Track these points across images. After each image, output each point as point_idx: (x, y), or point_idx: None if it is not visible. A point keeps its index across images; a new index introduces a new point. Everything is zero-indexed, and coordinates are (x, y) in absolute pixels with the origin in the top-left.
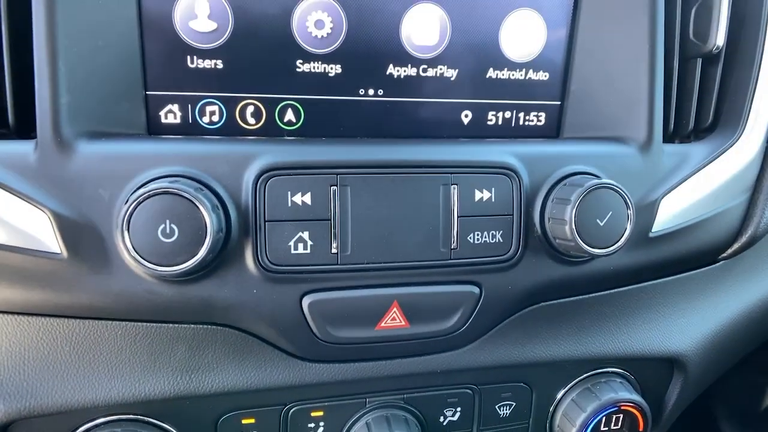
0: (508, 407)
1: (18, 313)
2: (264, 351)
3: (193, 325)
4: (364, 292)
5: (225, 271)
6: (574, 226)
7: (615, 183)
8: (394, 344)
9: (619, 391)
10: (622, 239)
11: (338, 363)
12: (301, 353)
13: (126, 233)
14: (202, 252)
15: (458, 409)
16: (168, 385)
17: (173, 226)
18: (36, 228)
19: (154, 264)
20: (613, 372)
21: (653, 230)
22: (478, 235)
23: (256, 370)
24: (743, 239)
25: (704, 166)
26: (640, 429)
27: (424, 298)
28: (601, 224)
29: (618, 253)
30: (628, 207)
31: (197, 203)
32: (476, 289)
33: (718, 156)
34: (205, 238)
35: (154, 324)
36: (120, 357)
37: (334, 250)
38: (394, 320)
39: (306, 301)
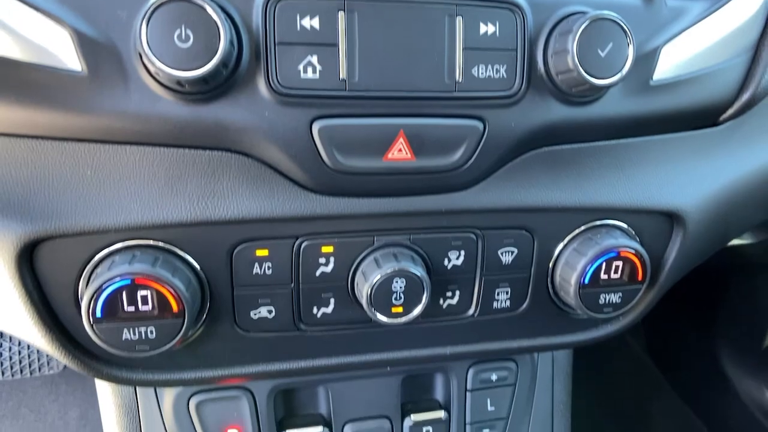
0: (510, 254)
1: (42, 137)
2: (276, 181)
3: (208, 151)
4: (371, 120)
5: (237, 93)
6: (575, 56)
7: (617, 16)
8: (400, 178)
9: (620, 239)
10: (624, 70)
11: (347, 197)
12: (311, 184)
13: (144, 32)
14: (217, 57)
15: (462, 252)
16: (185, 210)
17: (188, 31)
18: (57, 45)
19: (171, 68)
20: (613, 225)
21: (654, 79)
22: (482, 68)
23: (268, 199)
24: (743, 98)
25: (704, 18)
26: (639, 278)
27: (430, 130)
28: (603, 55)
29: (619, 101)
30: (628, 40)
31: (210, 10)
32: (480, 125)
33: (719, 9)
34: (219, 43)
35: (171, 149)
36: (139, 182)
37: (342, 77)
38: (400, 152)
39: (316, 127)
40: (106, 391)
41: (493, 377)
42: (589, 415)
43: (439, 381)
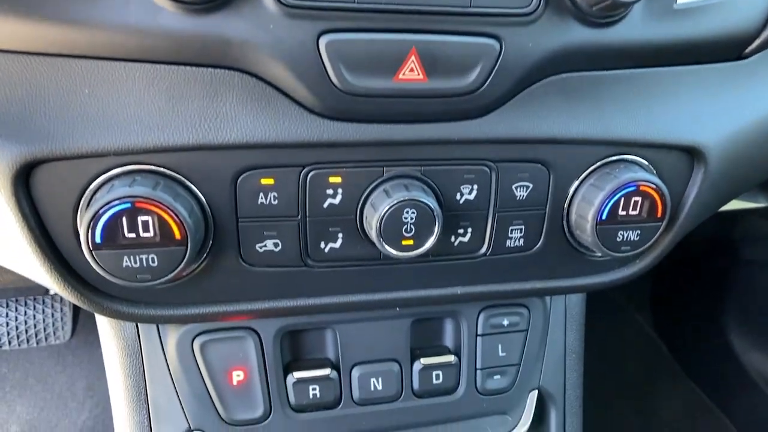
0: (524, 189)
1: (37, 54)
2: (282, 104)
3: (210, 69)
4: (381, 35)
5: (241, 3)
6: None
7: None
8: (412, 102)
9: (639, 173)
10: None
11: (356, 123)
12: (318, 107)
13: None
14: None
15: (475, 186)
16: (186, 133)
17: None
18: None
19: None
20: (632, 160)
21: (678, 2)
22: None
23: (273, 122)
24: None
25: None
26: (659, 215)
27: (443, 48)
28: None
29: (641, 24)
30: None
31: None
32: (496, 44)
33: None
34: None
35: (172, 66)
36: (138, 102)
37: None
38: (412, 71)
39: (323, 42)
40: (108, 334)
41: (505, 322)
42: (595, 391)
43: (449, 326)
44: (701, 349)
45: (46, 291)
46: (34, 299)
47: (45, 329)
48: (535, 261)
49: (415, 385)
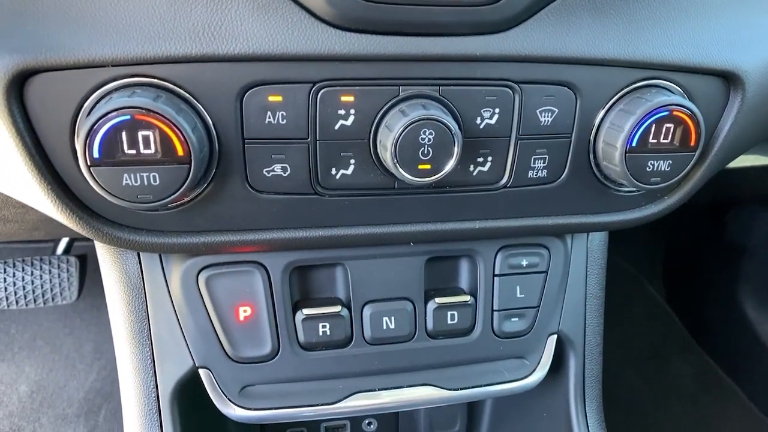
0: (549, 114)
1: None
2: (293, 11)
3: None
4: None
5: None
6: None
7: None
8: (431, 10)
9: (672, 96)
10: None
11: (371, 34)
12: (332, 16)
13: None
14: None
15: (496, 110)
16: (189, 42)
17: None
18: None
19: None
20: (664, 86)
21: None
22: None
23: (282, 32)
24: None
25: None
26: (692, 143)
27: None
28: None
29: None
30: None
31: None
32: None
33: None
34: None
35: None
36: (139, 8)
37: None
38: None
39: None
40: (109, 269)
41: (524, 263)
42: (606, 362)
43: (464, 267)
44: (715, 320)
45: (53, 251)
46: (41, 260)
47: (52, 289)
48: (557, 195)
49: (429, 326)
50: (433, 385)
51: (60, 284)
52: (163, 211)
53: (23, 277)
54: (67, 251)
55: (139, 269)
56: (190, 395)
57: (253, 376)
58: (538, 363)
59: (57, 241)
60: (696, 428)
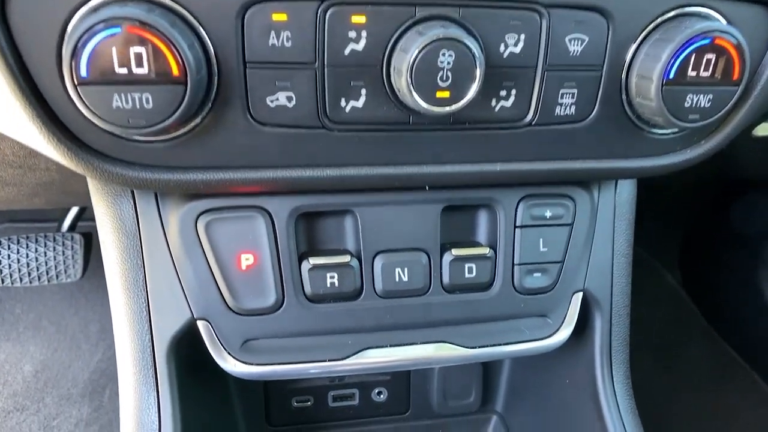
0: (579, 43)
1: None
2: None
3: None
4: None
5: None
6: None
7: None
8: None
9: (715, 23)
10: None
11: None
12: None
13: None
14: None
15: (522, 36)
16: None
17: None
18: None
19: None
20: (705, 14)
21: None
22: None
23: None
24: None
25: None
26: (735, 76)
27: None
28: None
29: None
30: None
31: None
32: None
33: None
34: None
35: None
36: None
37: None
38: None
39: None
40: (102, 214)
41: (547, 214)
42: None
43: (483, 219)
44: (733, 306)
45: (58, 229)
46: (45, 236)
47: (56, 267)
48: (586, 135)
49: (445, 279)
50: (449, 343)
51: (64, 262)
52: (159, 143)
53: (27, 254)
54: (71, 230)
55: (134, 213)
56: (188, 350)
57: (255, 330)
58: (562, 322)
59: (62, 221)
60: (714, 415)
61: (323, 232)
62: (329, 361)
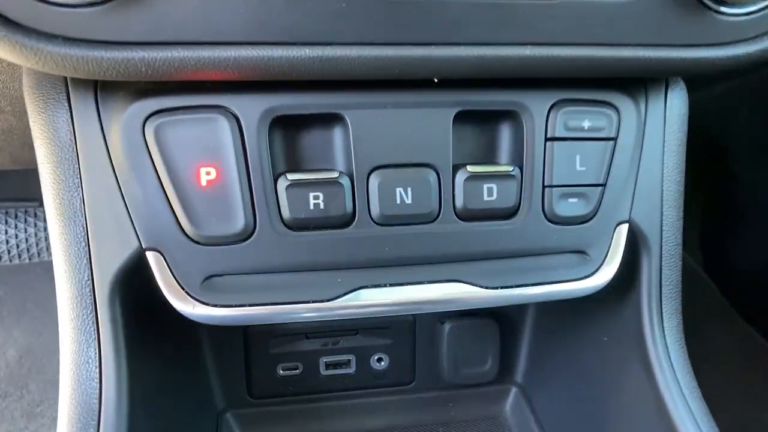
0: None
1: None
2: None
3: None
4: None
5: None
6: None
7: None
8: None
9: None
10: None
11: None
12: None
13: None
14: None
15: None
16: None
17: None
18: None
19: None
20: None
21: None
22: None
23: None
24: None
25: None
26: None
27: None
28: None
29: None
30: None
31: None
32: None
33: None
34: None
35: None
36: None
37: None
38: None
39: None
40: (38, 128)
41: (585, 124)
42: None
43: (506, 133)
44: (755, 287)
45: (40, 205)
46: (26, 212)
47: (38, 244)
48: (637, 12)
49: (459, 202)
50: (463, 282)
51: (46, 238)
52: (87, 6)
53: (6, 231)
54: None
55: (69, 119)
56: (139, 291)
57: (219, 263)
58: (604, 259)
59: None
60: (738, 397)
61: (306, 146)
62: (313, 302)
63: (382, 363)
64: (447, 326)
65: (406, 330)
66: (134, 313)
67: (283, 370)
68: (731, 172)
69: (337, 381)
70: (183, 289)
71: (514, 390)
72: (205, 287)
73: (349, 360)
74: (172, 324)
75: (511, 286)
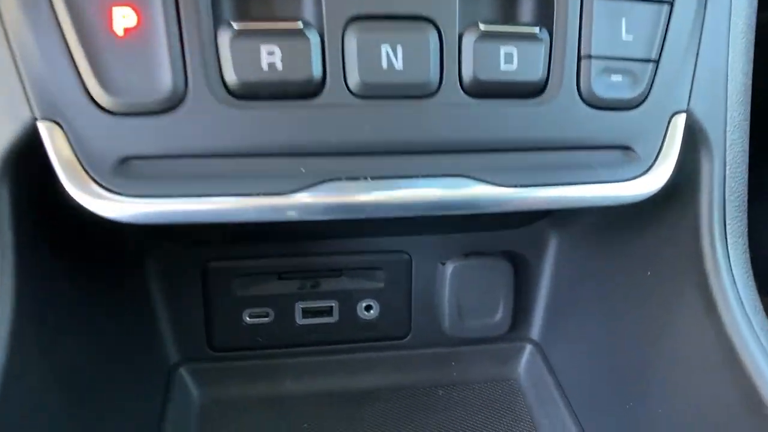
0: None
1: None
2: None
3: None
4: None
5: None
6: None
7: None
8: None
9: None
10: None
11: None
12: None
13: None
14: None
15: None
16: None
17: None
18: None
19: None
20: None
21: None
22: None
23: None
24: None
25: None
26: None
27: None
28: None
29: None
30: None
31: None
32: None
33: None
34: None
35: None
36: None
37: None
38: None
39: None
40: None
41: None
42: None
43: None
44: None
45: None
46: None
47: None
48: None
49: (467, 70)
50: (471, 178)
51: None
52: None
53: None
54: None
55: None
56: (41, 188)
57: (138, 141)
58: (656, 158)
59: None
60: None
61: None
62: (264, 195)
63: (372, 311)
64: (450, 267)
65: (401, 271)
66: (32, 217)
67: (250, 317)
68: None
69: (316, 332)
70: (87, 173)
71: (528, 347)
72: (118, 173)
73: (331, 307)
74: (99, 242)
75: (534, 185)
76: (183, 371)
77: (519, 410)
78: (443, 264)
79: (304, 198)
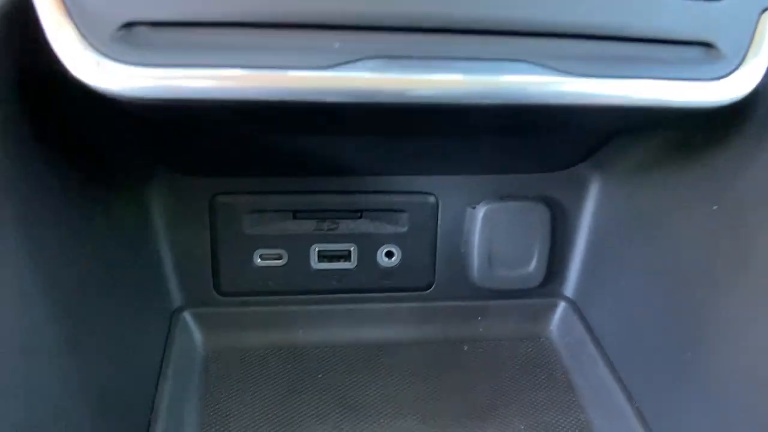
0: None
1: None
2: None
3: None
4: None
5: None
6: None
7: None
8: None
9: None
10: None
11: None
12: None
13: None
14: None
15: None
16: None
17: None
18: None
19: None
20: None
21: None
22: None
23: None
24: None
25: None
26: None
27: None
28: None
29: None
30: None
31: None
32: None
33: None
34: None
35: None
36: None
37: None
38: None
39: None
40: None
41: None
42: None
43: None
44: None
45: None
46: None
47: None
48: None
49: None
50: (535, 63)
51: None
52: None
53: None
54: None
55: None
56: (26, 54)
57: (146, 3)
58: (744, 57)
59: None
60: None
61: None
62: (298, 69)
63: (393, 258)
64: (482, 210)
65: (427, 215)
66: (20, 102)
67: (261, 258)
68: None
69: (332, 278)
70: (85, 37)
71: (562, 304)
72: (120, 39)
73: (350, 251)
74: (99, 165)
75: (602, 77)
76: (186, 315)
77: (553, 369)
78: (473, 208)
79: (337, 76)
